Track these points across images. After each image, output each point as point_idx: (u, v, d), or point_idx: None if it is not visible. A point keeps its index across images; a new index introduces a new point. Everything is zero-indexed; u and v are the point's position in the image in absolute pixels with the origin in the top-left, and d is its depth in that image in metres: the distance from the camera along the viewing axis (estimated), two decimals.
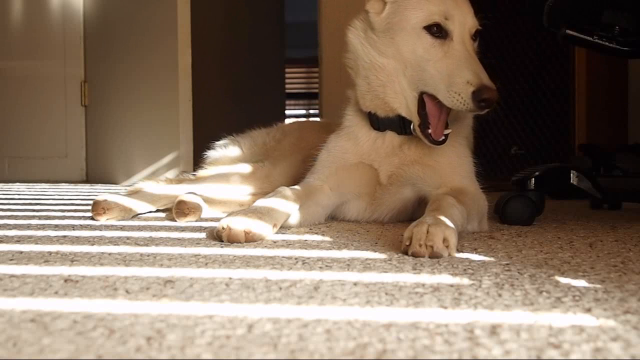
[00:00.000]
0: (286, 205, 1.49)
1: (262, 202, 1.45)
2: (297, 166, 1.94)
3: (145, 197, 1.87)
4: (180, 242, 1.35)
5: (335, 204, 1.71)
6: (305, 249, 1.26)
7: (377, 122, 1.66)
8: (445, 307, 0.79)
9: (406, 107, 1.59)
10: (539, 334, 0.68)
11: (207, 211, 1.87)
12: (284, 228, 1.51)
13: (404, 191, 1.68)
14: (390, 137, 1.66)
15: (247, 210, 1.40)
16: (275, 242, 1.35)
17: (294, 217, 1.54)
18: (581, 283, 0.94)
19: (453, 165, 1.63)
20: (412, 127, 1.60)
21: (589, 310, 0.78)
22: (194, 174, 2.06)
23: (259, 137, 2.13)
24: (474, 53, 1.52)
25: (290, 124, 2.26)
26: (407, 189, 1.67)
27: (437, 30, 1.51)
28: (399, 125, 1.63)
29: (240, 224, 1.32)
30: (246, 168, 1.97)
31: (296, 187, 1.61)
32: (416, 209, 1.69)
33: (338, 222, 1.74)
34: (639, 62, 3.19)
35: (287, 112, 6.57)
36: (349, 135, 1.71)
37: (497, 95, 1.43)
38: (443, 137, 1.54)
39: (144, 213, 1.87)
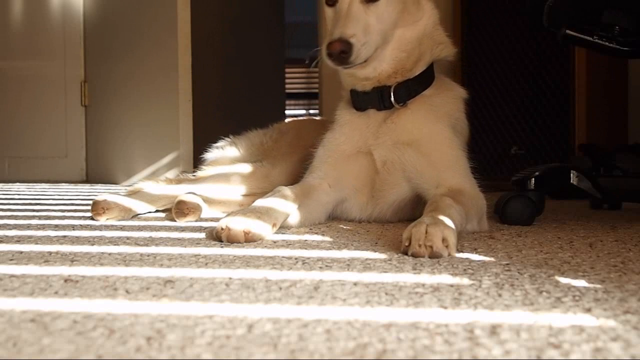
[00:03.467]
0: (285, 204, 1.49)
1: (260, 202, 1.46)
2: (295, 165, 1.94)
3: (145, 197, 1.87)
4: (180, 242, 1.35)
5: (335, 200, 1.72)
6: (305, 249, 1.26)
7: (358, 99, 1.73)
8: (445, 307, 0.80)
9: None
10: (539, 334, 0.68)
11: (207, 211, 1.87)
12: (284, 228, 1.51)
13: (401, 183, 1.69)
14: (374, 115, 1.72)
15: (246, 210, 1.40)
16: (275, 242, 1.35)
17: (294, 217, 1.54)
18: (581, 283, 0.94)
19: (439, 141, 1.65)
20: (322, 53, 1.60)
21: (589, 310, 0.78)
22: (194, 174, 2.06)
23: (256, 138, 2.13)
24: (360, 11, 1.56)
25: (287, 122, 2.26)
26: (404, 182, 1.68)
27: (330, 1, 1.63)
28: (378, 98, 1.69)
29: (239, 224, 1.32)
30: (246, 168, 1.97)
31: (295, 186, 1.61)
32: (415, 208, 1.69)
33: (338, 222, 1.74)
34: (639, 62, 3.18)
35: (287, 112, 6.56)
36: (342, 127, 1.75)
37: (337, 46, 1.50)
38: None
39: (144, 213, 1.88)
